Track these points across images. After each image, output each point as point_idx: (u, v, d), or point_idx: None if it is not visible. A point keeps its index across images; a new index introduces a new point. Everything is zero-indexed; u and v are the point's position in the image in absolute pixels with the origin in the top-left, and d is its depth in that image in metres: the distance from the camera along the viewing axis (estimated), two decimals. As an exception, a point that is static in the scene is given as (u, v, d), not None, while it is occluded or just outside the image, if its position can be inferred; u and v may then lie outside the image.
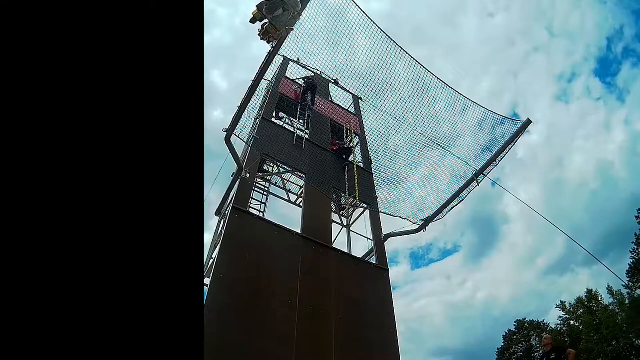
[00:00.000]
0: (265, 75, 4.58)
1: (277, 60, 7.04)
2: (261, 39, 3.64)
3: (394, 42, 4.98)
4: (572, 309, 25.80)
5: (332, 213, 6.83)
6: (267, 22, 3.49)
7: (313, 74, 8.54)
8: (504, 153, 5.30)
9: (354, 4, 4.58)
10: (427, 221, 5.79)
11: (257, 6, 3.40)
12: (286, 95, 7.85)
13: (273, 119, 7.40)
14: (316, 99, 8.02)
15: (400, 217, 6.00)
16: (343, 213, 7.69)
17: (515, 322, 29.68)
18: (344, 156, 7.25)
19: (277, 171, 7.38)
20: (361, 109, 8.48)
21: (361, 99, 7.77)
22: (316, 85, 8.00)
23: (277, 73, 8.09)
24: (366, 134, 7.70)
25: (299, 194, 7.46)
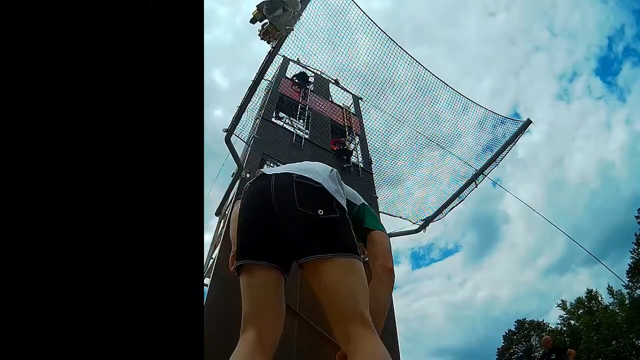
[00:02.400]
0: (265, 75, 4.57)
1: (277, 60, 7.04)
2: (261, 39, 3.64)
3: (395, 42, 4.98)
4: (572, 309, 25.78)
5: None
6: (267, 22, 3.49)
7: (313, 74, 8.53)
8: (504, 153, 5.30)
9: (355, 4, 4.58)
10: (427, 221, 5.79)
11: (257, 6, 3.40)
12: (286, 95, 7.85)
13: (273, 119, 7.39)
14: (316, 98, 8.01)
15: (400, 217, 6.00)
16: (343, 213, 7.65)
17: (515, 322, 29.70)
18: (344, 157, 7.23)
19: (277, 171, 7.37)
20: (361, 109, 8.47)
21: (361, 99, 7.77)
22: (306, 76, 8.06)
23: (277, 73, 8.09)
24: (366, 133, 7.69)
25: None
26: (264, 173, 1.28)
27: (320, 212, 1.11)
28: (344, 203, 1.23)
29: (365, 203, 1.61)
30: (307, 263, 1.09)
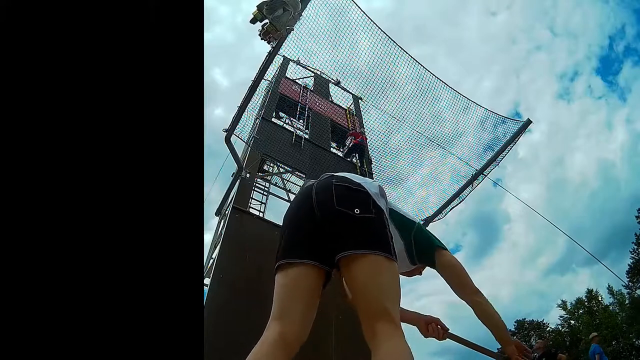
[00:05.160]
0: (266, 75, 4.57)
1: (278, 60, 7.04)
2: (261, 39, 3.65)
3: (395, 42, 4.98)
4: (572, 309, 25.79)
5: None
6: (267, 22, 3.49)
7: (313, 74, 8.53)
8: (504, 153, 5.30)
9: (355, 5, 4.58)
10: (427, 221, 5.79)
11: (257, 6, 3.40)
12: (286, 95, 7.86)
13: (273, 119, 7.40)
14: (316, 98, 8.01)
15: (400, 217, 5.98)
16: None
17: (515, 322, 29.70)
18: (355, 154, 7.25)
19: (277, 171, 7.38)
20: (361, 109, 8.47)
21: (361, 99, 7.77)
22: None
23: (277, 73, 8.09)
24: (366, 133, 7.69)
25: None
26: (310, 180, 1.38)
27: (357, 210, 1.16)
28: (383, 206, 1.27)
29: (420, 223, 1.71)
30: (342, 259, 1.12)
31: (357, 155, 7.32)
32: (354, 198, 1.21)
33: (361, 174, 6.69)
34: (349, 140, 7.48)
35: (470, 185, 5.34)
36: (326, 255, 1.17)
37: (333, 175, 1.33)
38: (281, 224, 1.36)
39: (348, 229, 1.14)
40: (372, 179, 6.85)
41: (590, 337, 7.13)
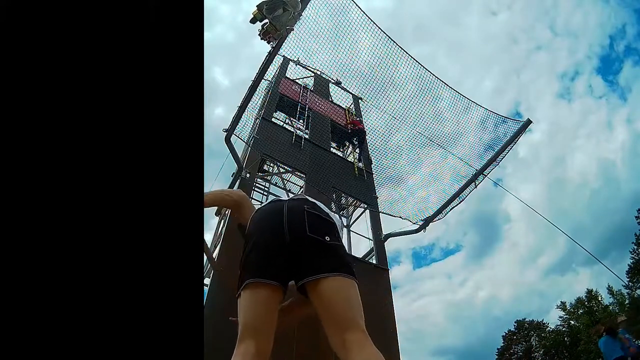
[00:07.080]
0: (266, 75, 4.57)
1: (278, 60, 7.04)
2: (261, 39, 3.64)
3: (395, 43, 4.98)
4: (572, 309, 25.79)
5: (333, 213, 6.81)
6: (267, 22, 3.49)
7: (313, 74, 8.53)
8: (504, 153, 5.30)
9: (355, 4, 4.58)
10: (427, 221, 5.78)
11: (257, 6, 3.40)
12: (286, 95, 7.85)
13: (273, 119, 7.39)
14: (316, 98, 8.01)
15: (400, 217, 5.99)
16: (343, 213, 7.68)
17: (515, 322, 29.71)
18: (355, 138, 7.32)
19: (277, 171, 7.38)
20: (361, 109, 8.46)
21: (361, 99, 7.77)
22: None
23: (277, 73, 8.08)
24: (366, 133, 7.69)
25: (298, 194, 7.42)
26: (277, 198, 1.49)
27: (327, 238, 1.29)
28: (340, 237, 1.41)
29: None
30: (312, 281, 1.21)
31: (357, 142, 7.37)
32: (324, 226, 1.33)
33: (359, 173, 6.71)
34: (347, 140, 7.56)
35: (473, 184, 5.33)
36: (288, 275, 1.27)
37: (305, 199, 1.44)
38: (248, 234, 1.44)
39: (319, 254, 1.25)
40: (372, 179, 6.87)
41: (617, 321, 7.08)
